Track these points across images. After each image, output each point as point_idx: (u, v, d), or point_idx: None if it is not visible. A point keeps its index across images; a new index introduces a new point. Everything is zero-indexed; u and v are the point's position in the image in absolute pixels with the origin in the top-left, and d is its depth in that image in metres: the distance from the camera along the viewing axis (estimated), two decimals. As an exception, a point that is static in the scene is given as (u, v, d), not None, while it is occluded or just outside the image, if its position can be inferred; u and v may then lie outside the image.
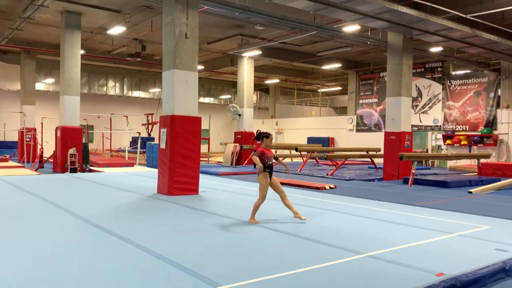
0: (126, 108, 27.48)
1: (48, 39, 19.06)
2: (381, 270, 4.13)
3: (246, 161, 18.74)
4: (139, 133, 22.85)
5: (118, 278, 3.78)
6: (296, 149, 17.45)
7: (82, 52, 15.88)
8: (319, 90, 29.77)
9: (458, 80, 20.55)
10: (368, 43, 16.51)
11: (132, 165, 16.78)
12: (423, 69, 21.74)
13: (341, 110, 29.26)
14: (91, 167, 15.09)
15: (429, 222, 6.63)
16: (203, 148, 20.56)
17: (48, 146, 19.45)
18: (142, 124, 24.99)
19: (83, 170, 14.47)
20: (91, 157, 16.71)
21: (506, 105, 18.90)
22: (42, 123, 20.16)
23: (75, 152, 14.07)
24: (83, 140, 14.88)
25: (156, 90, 27.41)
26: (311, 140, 26.29)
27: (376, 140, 21.87)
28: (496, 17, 13.94)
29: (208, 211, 7.29)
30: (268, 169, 6.14)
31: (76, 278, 3.76)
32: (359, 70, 24.81)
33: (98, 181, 11.42)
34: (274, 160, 6.31)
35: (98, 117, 23.73)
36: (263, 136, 6.24)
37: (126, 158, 19.58)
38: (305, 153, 18.30)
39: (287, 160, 21.21)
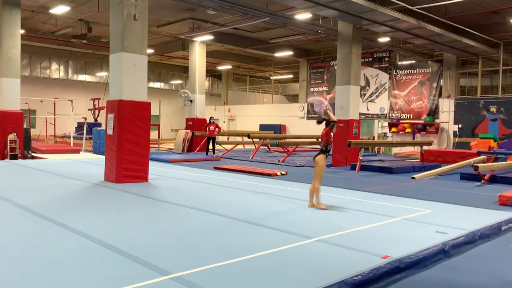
0: (71, 92, 26.27)
1: (-16, 16, 17.78)
2: (329, 253, 4.23)
3: (198, 148, 18.56)
4: (85, 119, 21.95)
5: (62, 268, 3.61)
6: (249, 136, 17.48)
7: (22, 32, 14.96)
8: (271, 78, 29.91)
9: (403, 70, 21.32)
10: (319, 31, 16.71)
11: (77, 151, 16.14)
12: (371, 59, 22.36)
13: (293, 98, 29.57)
14: (33, 154, 14.37)
15: (375, 206, 6.87)
16: (153, 135, 20.12)
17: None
18: (88, 109, 24.00)
19: (24, 157, 13.76)
20: (33, 143, 15.90)
21: (447, 94, 19.86)
22: (-22, 107, 18.90)
23: (15, 138, 13.34)
24: (24, 125, 14.13)
25: (103, 74, 26.40)
26: (263, 127, 26.43)
27: (326, 128, 22.29)
28: (440, 10, 14.54)
29: (158, 199, 7.15)
30: (327, 153, 6.71)
31: (17, 269, 3.56)
32: (310, 59, 25.13)
33: (41, 169, 10.89)
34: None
35: (41, 101, 22.51)
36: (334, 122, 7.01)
37: (71, 145, 18.82)
38: (258, 140, 18.36)
39: (240, 147, 21.22)
